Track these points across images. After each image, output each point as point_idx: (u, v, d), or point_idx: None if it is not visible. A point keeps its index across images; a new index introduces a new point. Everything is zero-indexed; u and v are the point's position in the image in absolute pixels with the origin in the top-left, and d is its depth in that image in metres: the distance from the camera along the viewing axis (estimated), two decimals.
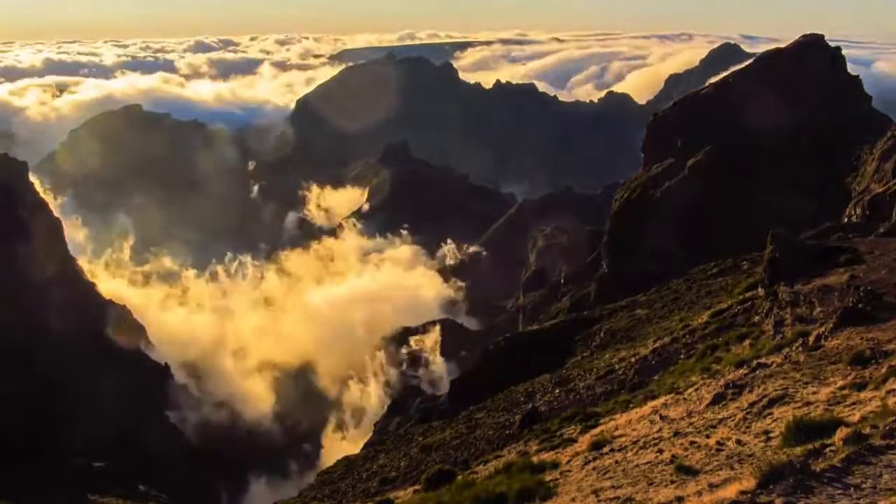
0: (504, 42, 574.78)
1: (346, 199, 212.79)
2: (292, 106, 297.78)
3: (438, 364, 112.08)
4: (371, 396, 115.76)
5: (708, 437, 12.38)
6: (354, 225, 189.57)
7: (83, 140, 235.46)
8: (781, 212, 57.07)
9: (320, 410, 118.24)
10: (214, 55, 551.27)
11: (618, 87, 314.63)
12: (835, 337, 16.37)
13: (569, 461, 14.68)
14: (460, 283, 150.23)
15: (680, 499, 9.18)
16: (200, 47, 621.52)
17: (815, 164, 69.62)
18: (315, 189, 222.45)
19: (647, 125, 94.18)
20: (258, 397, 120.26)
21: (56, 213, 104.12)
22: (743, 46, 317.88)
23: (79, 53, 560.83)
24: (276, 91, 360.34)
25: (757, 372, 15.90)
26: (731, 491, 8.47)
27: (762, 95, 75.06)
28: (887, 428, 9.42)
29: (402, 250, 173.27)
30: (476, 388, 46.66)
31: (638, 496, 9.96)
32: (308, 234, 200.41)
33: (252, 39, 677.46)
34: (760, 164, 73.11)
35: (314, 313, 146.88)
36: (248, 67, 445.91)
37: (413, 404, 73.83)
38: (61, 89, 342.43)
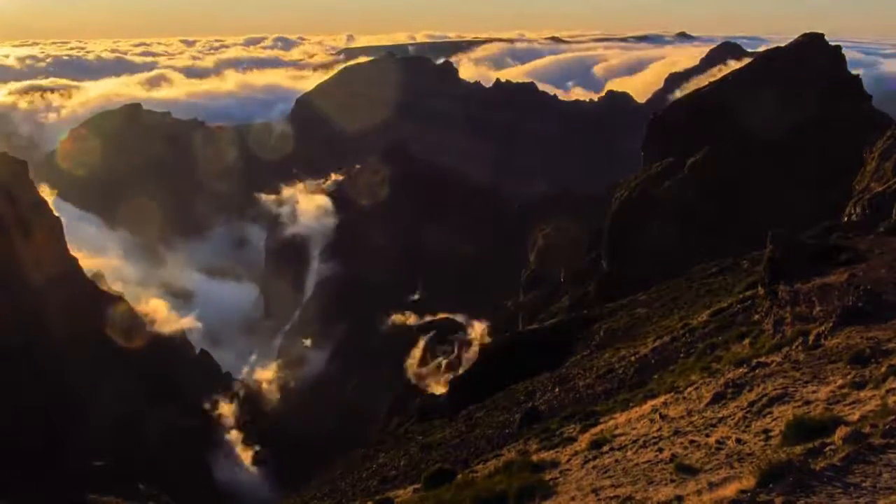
0: (504, 41, 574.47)
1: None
2: (292, 105, 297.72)
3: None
4: None
5: (708, 435, 12.36)
6: None
7: (83, 140, 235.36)
8: (781, 210, 57.08)
9: None
10: (215, 54, 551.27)
11: (618, 87, 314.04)
12: (835, 336, 16.33)
13: (568, 460, 14.67)
14: None
15: (680, 498, 9.17)
16: (200, 46, 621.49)
17: (815, 162, 69.65)
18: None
19: (647, 125, 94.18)
20: None
21: (56, 213, 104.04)
22: (743, 46, 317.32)
23: (78, 53, 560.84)
24: (276, 90, 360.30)
25: (757, 371, 15.88)
26: (730, 490, 8.47)
27: (762, 95, 75.08)
28: (887, 427, 9.41)
29: None
30: (476, 387, 46.63)
31: (638, 495, 9.94)
32: None
33: (253, 39, 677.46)
34: (760, 164, 73.15)
35: None
36: (248, 66, 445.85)
37: (413, 403, 73.79)
38: (61, 89, 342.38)
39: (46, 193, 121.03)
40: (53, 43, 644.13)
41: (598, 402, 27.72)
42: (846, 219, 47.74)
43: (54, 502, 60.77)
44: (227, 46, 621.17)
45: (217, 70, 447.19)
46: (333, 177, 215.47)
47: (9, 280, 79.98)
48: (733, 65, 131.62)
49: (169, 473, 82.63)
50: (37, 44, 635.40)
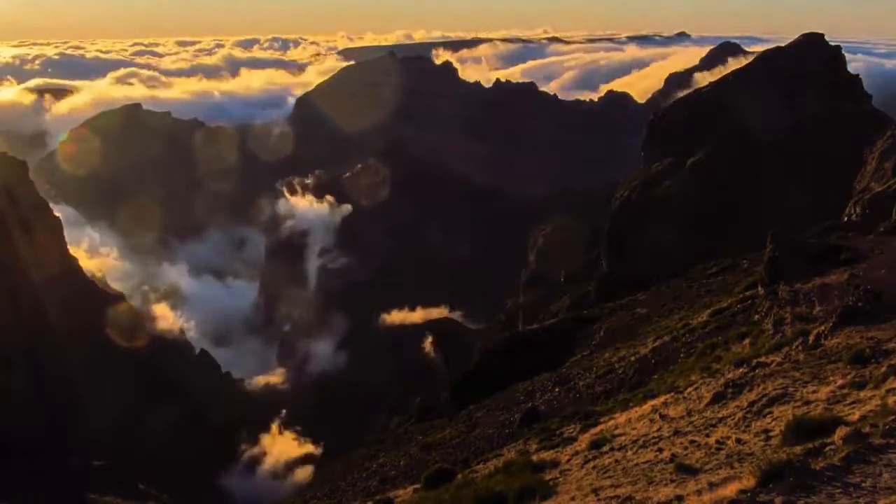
0: (504, 41, 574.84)
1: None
2: (292, 105, 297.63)
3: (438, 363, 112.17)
4: None
5: (708, 435, 12.37)
6: None
7: (83, 140, 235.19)
8: (781, 210, 57.09)
9: None
10: (214, 54, 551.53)
11: (618, 87, 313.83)
12: (835, 336, 16.33)
13: (568, 460, 14.68)
14: None
15: (680, 497, 9.18)
16: (200, 47, 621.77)
17: (815, 162, 69.66)
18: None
19: (647, 125, 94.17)
20: None
21: (56, 213, 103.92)
22: (743, 46, 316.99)
23: (77, 53, 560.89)
24: (276, 90, 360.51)
25: (757, 371, 15.87)
26: (730, 490, 8.47)
27: (762, 95, 75.10)
28: (887, 427, 9.41)
29: None
30: (476, 387, 46.62)
31: (638, 495, 9.94)
32: None
33: (252, 39, 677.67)
34: (760, 164, 73.15)
35: None
36: (248, 66, 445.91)
37: (413, 403, 73.83)
38: (60, 89, 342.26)
39: (46, 194, 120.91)
40: (52, 43, 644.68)
41: (598, 402, 27.71)
42: (846, 219, 47.74)
43: (54, 502, 60.74)
44: (226, 47, 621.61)
45: (217, 70, 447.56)
46: (333, 177, 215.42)
47: (9, 280, 79.88)
48: (733, 65, 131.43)
49: (169, 473, 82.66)
50: (36, 44, 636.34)
